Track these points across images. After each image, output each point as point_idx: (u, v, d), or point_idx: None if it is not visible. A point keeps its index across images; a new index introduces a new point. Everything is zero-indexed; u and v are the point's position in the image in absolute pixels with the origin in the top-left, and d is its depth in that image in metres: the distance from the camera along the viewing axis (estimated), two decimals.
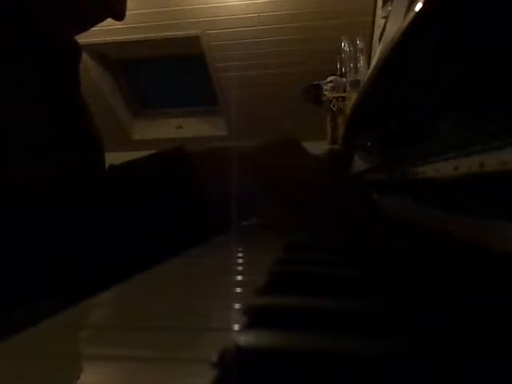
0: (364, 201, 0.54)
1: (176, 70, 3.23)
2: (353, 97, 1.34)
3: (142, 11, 2.61)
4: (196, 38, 2.85)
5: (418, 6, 0.30)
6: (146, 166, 0.48)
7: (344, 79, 1.69)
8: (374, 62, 0.67)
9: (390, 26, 0.61)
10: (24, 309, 0.38)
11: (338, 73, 1.79)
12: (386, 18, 0.79)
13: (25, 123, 0.48)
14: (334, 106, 1.73)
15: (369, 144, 0.87)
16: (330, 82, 1.78)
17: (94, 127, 0.63)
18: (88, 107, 0.63)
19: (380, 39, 0.80)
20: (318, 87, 1.87)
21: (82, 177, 0.47)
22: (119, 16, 0.61)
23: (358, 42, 1.56)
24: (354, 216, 0.50)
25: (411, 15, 0.32)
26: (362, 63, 1.53)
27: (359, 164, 1.08)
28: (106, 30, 2.60)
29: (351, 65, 1.56)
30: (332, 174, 0.53)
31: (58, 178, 0.45)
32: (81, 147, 0.57)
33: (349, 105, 1.48)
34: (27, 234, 0.40)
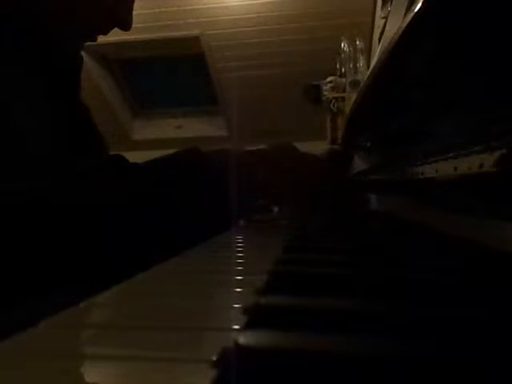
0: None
1: (176, 70, 3.22)
2: (352, 97, 1.34)
3: (142, 12, 2.60)
4: (196, 38, 2.84)
5: (418, 7, 0.30)
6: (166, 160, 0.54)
7: (344, 79, 1.69)
8: (373, 62, 0.67)
9: (389, 26, 0.61)
10: (24, 309, 0.38)
11: (338, 73, 1.78)
12: (385, 18, 0.79)
13: (28, 125, 0.49)
14: (333, 106, 1.72)
15: (368, 144, 0.87)
16: (330, 82, 1.78)
17: (96, 131, 0.64)
18: (89, 111, 0.64)
19: (380, 39, 0.80)
20: (318, 87, 1.86)
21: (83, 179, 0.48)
22: (127, 26, 0.61)
23: (357, 42, 1.56)
24: None
25: (411, 15, 0.32)
26: (361, 63, 1.53)
27: (359, 164, 1.08)
28: None
29: (351, 65, 1.56)
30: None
31: (61, 179, 0.46)
32: (83, 150, 0.57)
33: (348, 105, 1.48)
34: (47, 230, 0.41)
